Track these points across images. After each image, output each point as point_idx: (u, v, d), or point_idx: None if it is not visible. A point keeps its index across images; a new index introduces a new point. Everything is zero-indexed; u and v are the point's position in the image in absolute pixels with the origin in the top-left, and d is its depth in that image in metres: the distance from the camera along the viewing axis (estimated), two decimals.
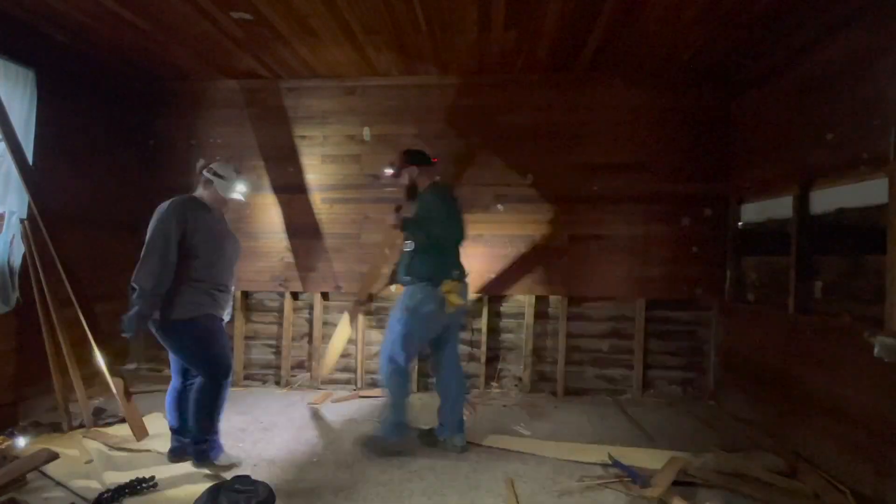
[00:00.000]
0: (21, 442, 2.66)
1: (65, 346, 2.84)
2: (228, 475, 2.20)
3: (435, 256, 2.59)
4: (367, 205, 3.85)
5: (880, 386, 2.12)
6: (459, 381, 2.78)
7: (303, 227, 3.88)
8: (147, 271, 2.21)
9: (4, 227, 2.85)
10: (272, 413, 3.29)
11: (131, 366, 3.95)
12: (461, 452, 2.66)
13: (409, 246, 2.65)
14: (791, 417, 2.74)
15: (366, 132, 3.86)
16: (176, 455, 2.48)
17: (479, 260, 3.76)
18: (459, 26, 2.96)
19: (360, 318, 3.86)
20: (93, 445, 2.67)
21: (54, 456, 2.26)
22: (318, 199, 3.88)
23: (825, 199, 2.61)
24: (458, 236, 2.68)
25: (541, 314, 3.76)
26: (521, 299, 3.79)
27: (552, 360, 3.78)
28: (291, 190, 3.89)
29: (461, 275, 2.66)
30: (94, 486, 2.22)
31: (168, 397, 2.52)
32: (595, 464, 2.56)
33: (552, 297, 3.75)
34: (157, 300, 2.25)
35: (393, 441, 2.65)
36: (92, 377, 2.89)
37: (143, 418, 2.89)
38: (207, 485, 2.00)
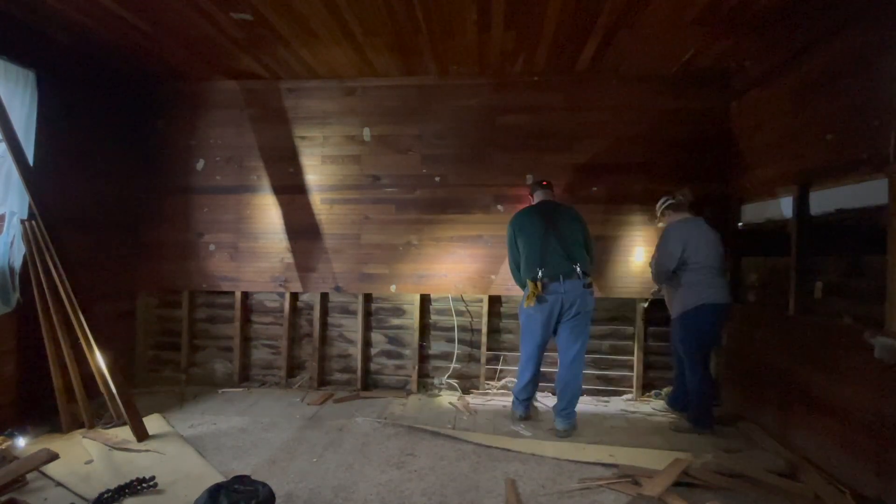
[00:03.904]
0: (21, 442, 2.66)
1: (65, 346, 2.84)
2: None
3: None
4: (367, 205, 3.85)
5: (880, 386, 2.11)
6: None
7: (303, 228, 3.88)
8: None
9: (5, 227, 2.85)
10: (272, 413, 3.29)
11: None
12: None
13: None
14: (791, 417, 2.74)
15: (366, 133, 3.87)
16: None
17: (479, 261, 3.76)
18: (459, 27, 2.96)
19: (360, 319, 3.87)
20: (93, 445, 2.67)
21: (54, 456, 2.26)
22: (317, 199, 3.88)
23: (825, 200, 2.61)
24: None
25: None
26: (521, 300, 3.78)
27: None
28: (291, 190, 3.89)
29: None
30: (94, 486, 2.22)
31: None
32: (595, 464, 2.56)
33: None
34: None
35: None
36: (92, 377, 2.88)
37: (144, 418, 2.90)
38: (207, 485, 1.99)
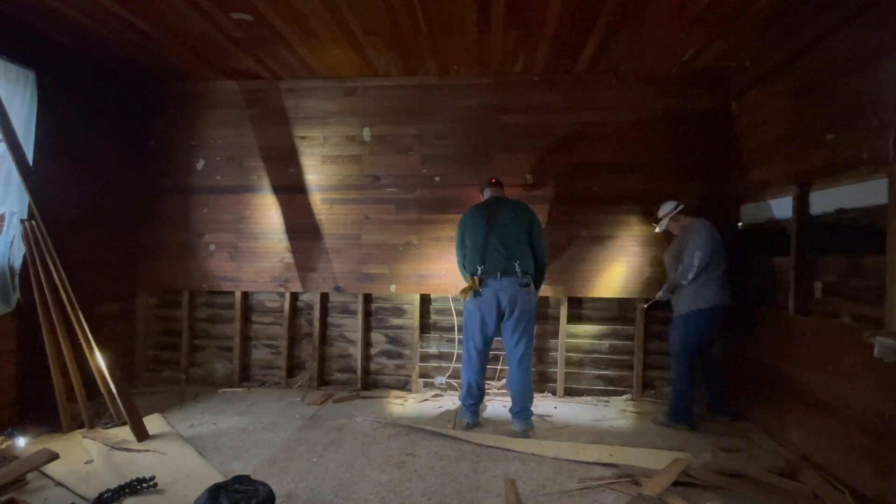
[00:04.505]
0: (21, 442, 2.66)
1: (65, 346, 2.84)
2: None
3: None
4: (367, 205, 3.85)
5: (880, 386, 2.11)
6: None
7: (303, 228, 3.88)
8: None
9: (5, 227, 2.85)
10: (272, 413, 3.29)
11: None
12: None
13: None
14: (791, 417, 2.74)
15: (366, 133, 3.87)
16: None
17: None
18: (459, 27, 2.96)
19: (360, 318, 3.87)
20: (93, 445, 2.67)
21: (54, 456, 2.27)
22: (318, 199, 3.88)
23: (825, 199, 2.62)
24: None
25: (541, 314, 3.74)
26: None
27: (552, 361, 3.78)
28: (291, 190, 3.89)
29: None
30: (94, 486, 2.22)
31: None
32: (595, 464, 2.56)
33: (552, 298, 3.74)
34: None
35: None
36: (92, 377, 2.88)
37: (144, 418, 2.90)
38: (207, 485, 1.99)
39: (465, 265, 3.12)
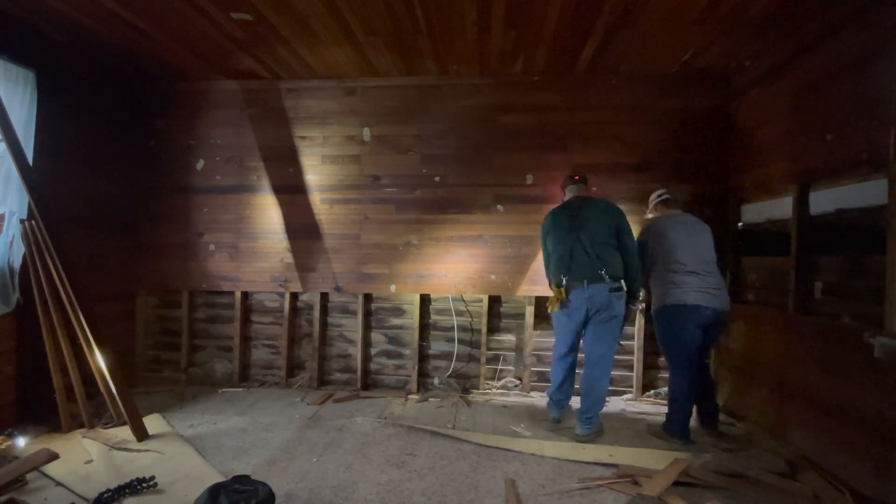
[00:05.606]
0: (21, 442, 2.66)
1: (65, 346, 2.84)
2: None
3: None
4: (367, 205, 3.85)
5: (880, 386, 2.11)
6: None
7: (303, 228, 3.88)
8: None
9: (5, 227, 2.85)
10: (272, 413, 3.29)
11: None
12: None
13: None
14: (791, 417, 2.74)
15: (366, 133, 3.87)
16: None
17: (479, 261, 3.76)
18: (459, 27, 2.96)
19: (360, 318, 3.87)
20: (93, 445, 2.67)
21: (54, 456, 2.27)
22: (317, 199, 3.89)
23: (825, 199, 2.61)
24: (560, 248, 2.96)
25: (541, 315, 3.75)
26: (520, 300, 3.79)
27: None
28: (291, 190, 3.90)
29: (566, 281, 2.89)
30: (93, 486, 2.22)
31: None
32: (595, 464, 2.56)
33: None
34: None
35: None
36: (92, 377, 2.88)
37: (143, 418, 2.90)
38: (207, 484, 1.99)
39: (550, 273, 3.02)
